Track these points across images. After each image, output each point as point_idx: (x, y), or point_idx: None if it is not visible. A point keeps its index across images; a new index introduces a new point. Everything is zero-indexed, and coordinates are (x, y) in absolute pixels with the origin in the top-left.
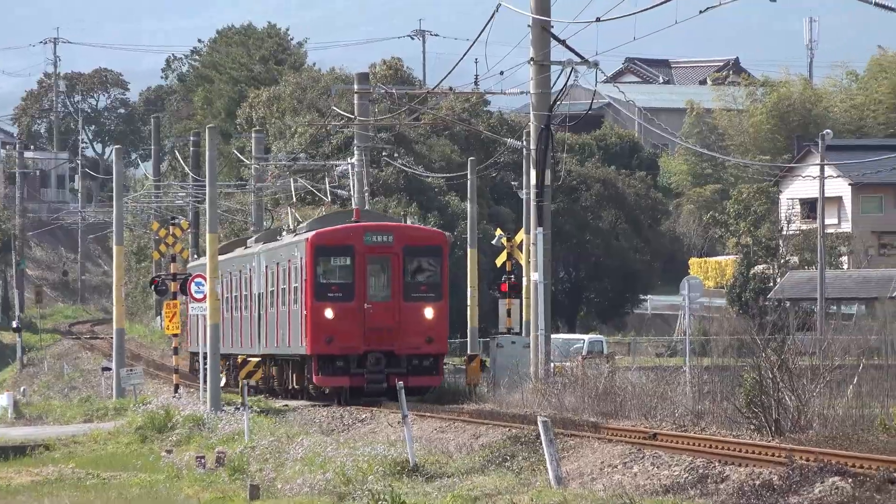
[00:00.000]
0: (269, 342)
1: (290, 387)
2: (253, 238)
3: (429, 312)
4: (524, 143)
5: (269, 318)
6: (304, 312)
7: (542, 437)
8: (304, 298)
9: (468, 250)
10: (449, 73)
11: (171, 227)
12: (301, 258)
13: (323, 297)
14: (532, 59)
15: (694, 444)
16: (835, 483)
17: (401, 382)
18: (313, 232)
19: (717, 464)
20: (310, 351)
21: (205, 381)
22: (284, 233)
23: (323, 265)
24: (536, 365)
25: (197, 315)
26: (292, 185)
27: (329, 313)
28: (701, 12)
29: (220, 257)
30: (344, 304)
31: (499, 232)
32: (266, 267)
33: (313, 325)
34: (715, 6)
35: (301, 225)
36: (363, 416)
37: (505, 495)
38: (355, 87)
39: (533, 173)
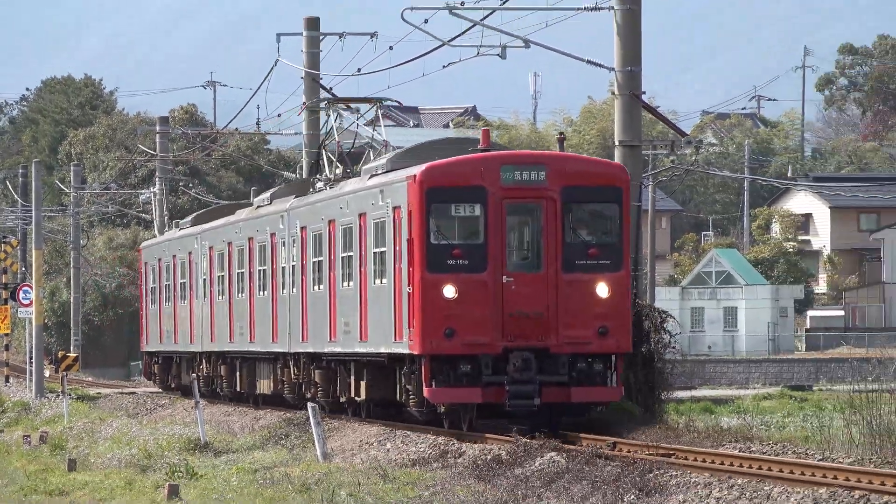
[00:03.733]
0: (311, 335)
1: (348, 399)
2: (267, 195)
3: (602, 289)
4: (297, 175)
5: (310, 302)
6: (405, 289)
7: (311, 420)
8: (402, 269)
9: None
10: (235, 116)
11: (2, 245)
12: (395, 208)
13: (439, 265)
14: (304, 104)
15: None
16: (552, 457)
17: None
18: (422, 167)
19: (456, 441)
20: (419, 349)
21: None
22: (320, 184)
23: (438, 217)
24: None
25: (147, 315)
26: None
27: (449, 291)
28: (444, 67)
29: (206, 225)
30: (472, 276)
31: None
32: (305, 229)
33: (425, 309)
34: (455, 62)
35: (372, 165)
36: (163, 403)
37: (280, 468)
38: (157, 128)
39: None
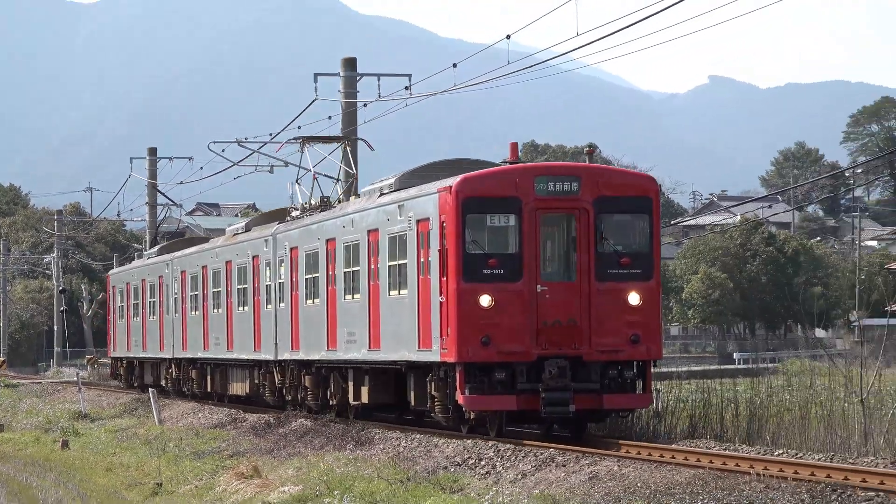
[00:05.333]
0: (304, 344)
1: (339, 401)
2: (241, 225)
3: (633, 298)
4: (142, 248)
5: (303, 315)
6: (435, 299)
7: (152, 399)
8: (430, 279)
9: None
10: (105, 208)
11: None
12: (421, 221)
13: (475, 274)
14: (147, 202)
15: (229, 404)
16: (302, 422)
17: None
18: (458, 178)
19: (242, 412)
20: (455, 357)
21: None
22: (295, 212)
23: (475, 227)
24: None
25: (114, 326)
26: None
27: (485, 300)
28: (235, 178)
29: (177, 253)
30: (507, 285)
31: None
32: (296, 249)
33: (461, 317)
34: (240, 176)
35: (375, 186)
36: (59, 388)
37: (131, 429)
38: (55, 217)
39: None
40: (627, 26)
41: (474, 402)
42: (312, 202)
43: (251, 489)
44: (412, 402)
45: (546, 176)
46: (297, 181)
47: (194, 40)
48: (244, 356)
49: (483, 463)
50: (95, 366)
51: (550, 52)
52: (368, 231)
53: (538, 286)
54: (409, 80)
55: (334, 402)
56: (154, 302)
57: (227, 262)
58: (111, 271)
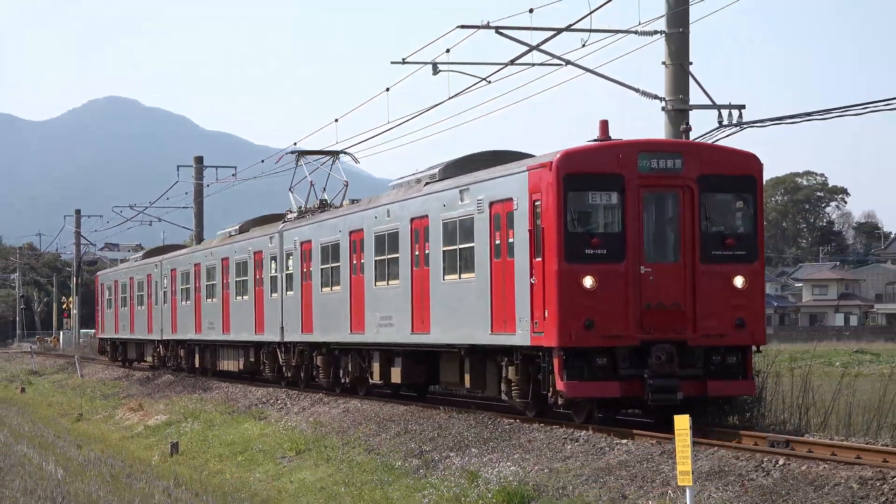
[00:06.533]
0: (318, 328)
1: (352, 379)
2: (233, 228)
3: (738, 280)
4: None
5: (318, 302)
6: (524, 281)
7: (76, 363)
8: (524, 259)
9: None
10: (51, 242)
11: None
12: (496, 203)
13: (577, 255)
14: (73, 242)
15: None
16: (169, 377)
17: None
18: (558, 154)
19: (129, 369)
20: (556, 341)
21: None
22: (291, 215)
23: (576, 205)
24: None
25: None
26: None
27: (588, 282)
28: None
29: (167, 255)
30: (610, 266)
31: None
32: (308, 243)
33: (563, 299)
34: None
35: (412, 177)
36: (21, 355)
37: (64, 380)
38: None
39: None
40: None
41: (575, 388)
42: (310, 206)
43: (137, 417)
44: (467, 385)
45: (650, 152)
46: (290, 189)
47: (102, 143)
48: (242, 338)
49: (279, 402)
50: (41, 342)
51: None
52: (412, 219)
53: (641, 267)
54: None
55: (347, 380)
56: (142, 295)
57: (223, 259)
58: (99, 272)
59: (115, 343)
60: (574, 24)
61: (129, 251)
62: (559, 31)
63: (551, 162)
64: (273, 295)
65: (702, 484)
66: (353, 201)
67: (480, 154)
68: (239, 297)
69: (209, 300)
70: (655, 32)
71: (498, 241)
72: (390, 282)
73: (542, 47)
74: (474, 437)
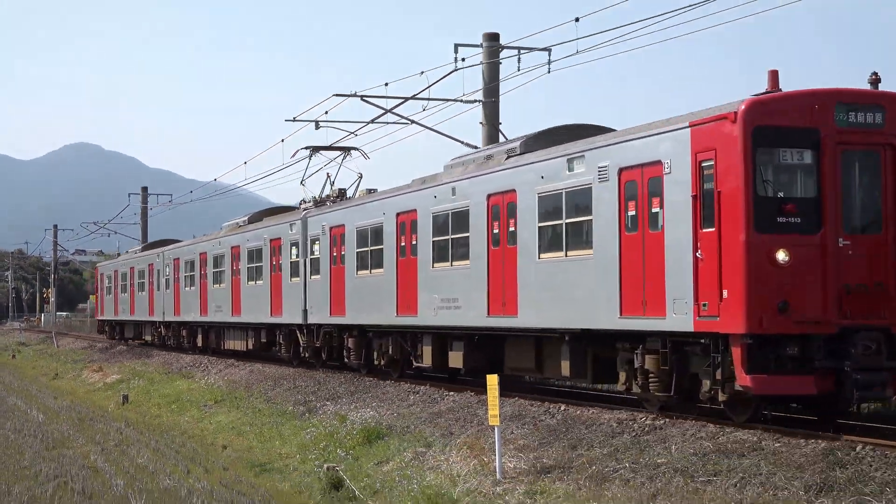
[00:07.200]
0: (352, 310)
1: (388, 360)
2: (240, 220)
3: None
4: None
5: (351, 285)
6: (682, 257)
7: (54, 337)
8: (685, 231)
9: None
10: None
11: None
12: (663, 163)
13: (769, 224)
14: (52, 249)
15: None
16: (121, 347)
17: None
18: (743, 103)
19: (95, 342)
20: (743, 327)
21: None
22: (306, 205)
23: (768, 163)
24: None
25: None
26: None
27: (782, 256)
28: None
29: (169, 246)
30: (804, 238)
31: None
32: (340, 227)
33: (751, 278)
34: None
35: (488, 151)
36: (12, 331)
37: (44, 349)
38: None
39: None
40: None
41: (764, 384)
42: (325, 195)
43: (98, 376)
44: (564, 373)
45: (849, 103)
46: (301, 182)
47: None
48: (253, 320)
49: (202, 366)
50: (27, 321)
51: None
52: (489, 195)
53: (840, 240)
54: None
55: (382, 362)
56: (143, 282)
57: (233, 247)
58: (99, 264)
59: (112, 324)
60: (417, 93)
61: (93, 255)
62: (406, 99)
63: (734, 113)
64: (293, 279)
65: (506, 424)
66: (369, 191)
67: (555, 129)
68: (251, 282)
69: (216, 286)
70: (475, 101)
71: (633, 213)
72: (455, 263)
73: (394, 111)
74: (344, 391)
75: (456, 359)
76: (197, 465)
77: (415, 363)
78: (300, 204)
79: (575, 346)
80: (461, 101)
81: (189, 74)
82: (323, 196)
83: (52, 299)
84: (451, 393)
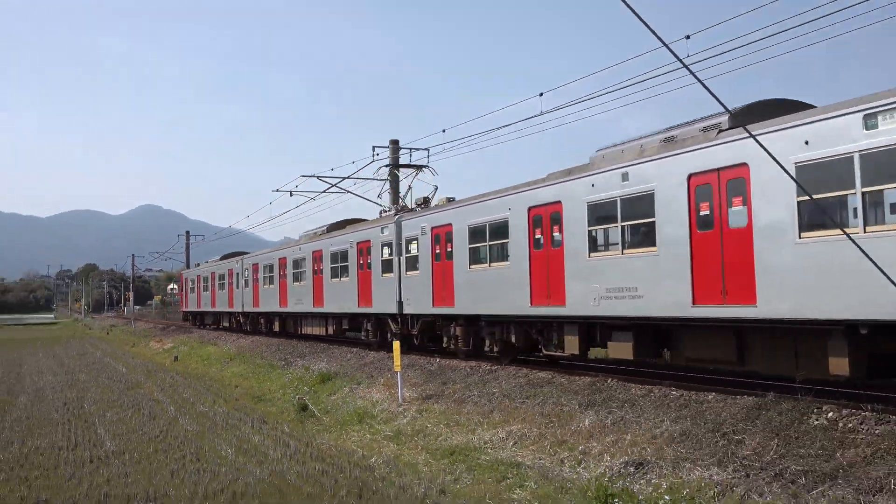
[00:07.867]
0: (468, 302)
1: (505, 345)
2: (319, 228)
3: None
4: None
5: (463, 279)
6: None
7: (132, 321)
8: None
9: None
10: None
11: None
12: None
13: None
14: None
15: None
16: (175, 327)
17: None
18: None
19: (157, 326)
20: None
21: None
22: (381, 210)
23: None
24: None
25: (185, 293)
26: None
27: None
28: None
29: (246, 255)
30: None
31: None
32: (447, 226)
33: None
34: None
35: (707, 122)
36: (108, 318)
37: (125, 329)
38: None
39: None
40: None
41: None
42: (400, 206)
43: (159, 345)
44: (795, 369)
45: None
46: (379, 195)
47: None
48: (338, 310)
49: (222, 339)
50: (117, 312)
51: None
52: (690, 175)
53: None
54: None
55: (495, 349)
56: (223, 283)
57: (313, 252)
58: (183, 272)
59: (194, 314)
60: (352, 174)
61: (156, 272)
62: (343, 178)
63: None
64: (385, 275)
65: (405, 370)
66: (449, 199)
67: (766, 102)
68: (335, 279)
69: (296, 283)
70: (385, 179)
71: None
72: (632, 250)
73: (338, 185)
74: (309, 352)
75: (624, 350)
76: (220, 397)
77: (545, 351)
78: (380, 213)
79: (810, 342)
80: (375, 179)
81: (207, 152)
82: (402, 205)
83: (130, 299)
84: (372, 352)
